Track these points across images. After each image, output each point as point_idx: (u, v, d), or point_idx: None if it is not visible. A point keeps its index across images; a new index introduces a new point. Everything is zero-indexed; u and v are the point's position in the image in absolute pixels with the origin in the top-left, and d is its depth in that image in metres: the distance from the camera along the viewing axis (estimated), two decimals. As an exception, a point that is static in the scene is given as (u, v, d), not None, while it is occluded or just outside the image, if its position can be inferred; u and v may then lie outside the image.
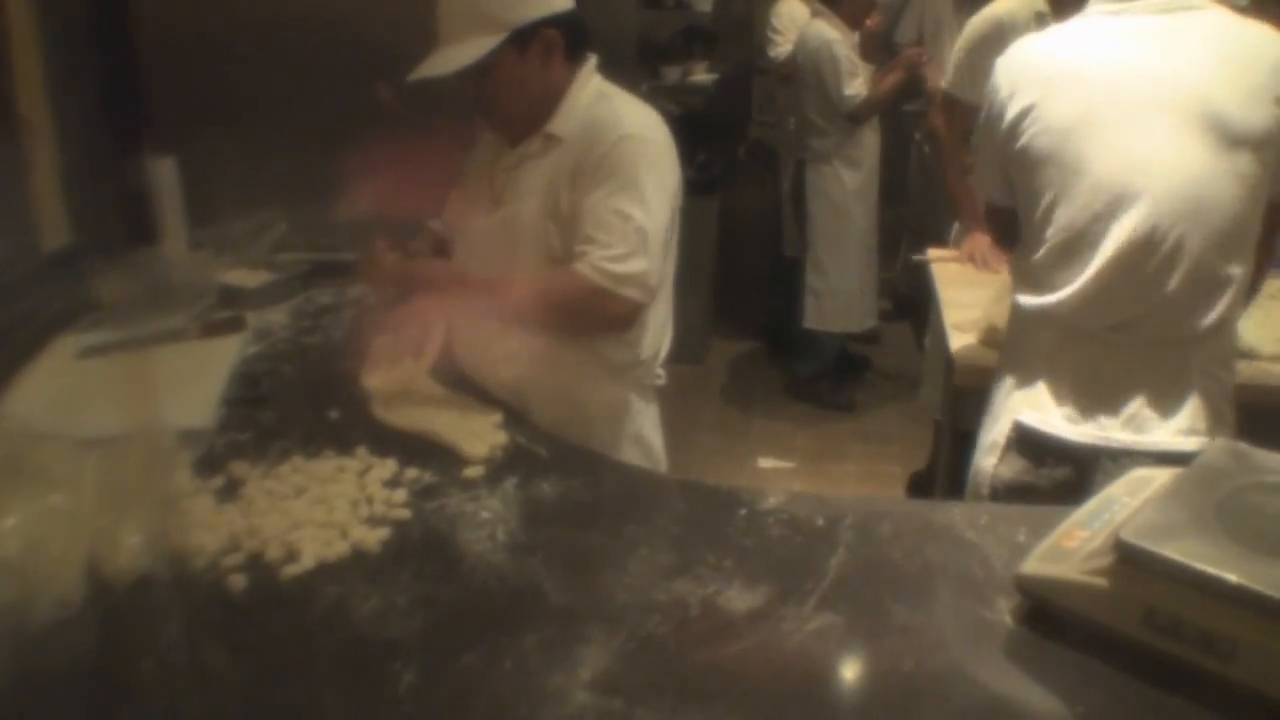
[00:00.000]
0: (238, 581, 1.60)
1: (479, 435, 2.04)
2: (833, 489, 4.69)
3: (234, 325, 2.63)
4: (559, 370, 2.25)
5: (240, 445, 2.02)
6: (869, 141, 5.38)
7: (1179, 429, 2.14)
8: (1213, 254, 2.08)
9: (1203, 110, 2.05)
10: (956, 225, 4.10)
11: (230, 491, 1.85)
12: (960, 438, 2.61)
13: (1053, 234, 2.17)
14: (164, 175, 2.94)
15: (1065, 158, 2.14)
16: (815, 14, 5.33)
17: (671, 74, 6.65)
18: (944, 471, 3.18)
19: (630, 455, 2.31)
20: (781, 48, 5.77)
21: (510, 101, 2.23)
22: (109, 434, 1.91)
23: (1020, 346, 2.32)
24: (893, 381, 5.77)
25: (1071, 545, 1.50)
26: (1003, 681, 1.42)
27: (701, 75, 6.72)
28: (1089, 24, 2.21)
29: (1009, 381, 2.32)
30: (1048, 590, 1.47)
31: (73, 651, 1.48)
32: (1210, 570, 1.32)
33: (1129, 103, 2.10)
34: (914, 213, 6.00)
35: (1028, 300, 2.25)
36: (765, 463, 4.97)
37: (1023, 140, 2.19)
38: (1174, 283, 2.09)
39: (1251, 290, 2.29)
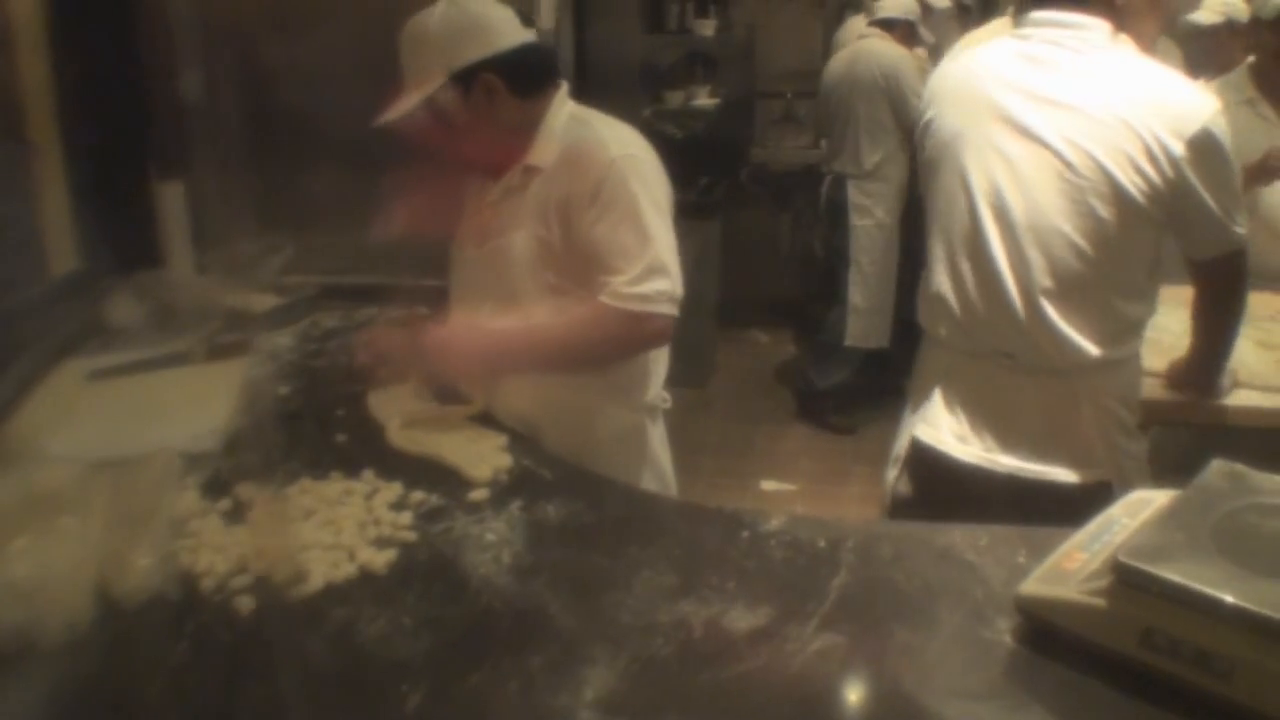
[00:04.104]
0: (246, 603, 1.61)
1: (483, 458, 2.05)
2: (835, 511, 4.69)
3: (241, 348, 2.64)
4: (569, 400, 2.27)
5: (247, 467, 2.03)
6: (903, 160, 5.42)
7: (1063, 459, 2.16)
8: (1085, 289, 2.09)
9: (1080, 147, 2.05)
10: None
11: (238, 513, 1.86)
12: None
13: (936, 250, 2.22)
14: (171, 200, 2.96)
15: (947, 171, 2.20)
16: (862, 36, 5.42)
17: (674, 98, 6.68)
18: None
19: (644, 476, 2.34)
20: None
21: (466, 143, 2.24)
22: (117, 456, 1.94)
23: (922, 364, 2.36)
24: (894, 403, 5.76)
25: (1071, 566, 1.51)
26: (1002, 701, 1.43)
27: (704, 100, 6.75)
28: (997, 46, 2.24)
29: (913, 398, 2.36)
30: (1047, 611, 1.48)
31: (82, 673, 1.49)
32: (1207, 590, 1.34)
33: (1005, 125, 2.12)
34: (915, 236, 6.01)
35: (923, 320, 2.29)
36: (768, 485, 4.98)
37: (924, 152, 2.27)
38: (1043, 313, 2.11)
39: (1208, 361, 2.34)
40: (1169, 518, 1.53)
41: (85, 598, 1.59)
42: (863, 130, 5.36)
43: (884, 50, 5.31)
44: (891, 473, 2.39)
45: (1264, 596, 1.32)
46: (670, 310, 2.17)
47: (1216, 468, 1.65)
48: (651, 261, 2.14)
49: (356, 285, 2.84)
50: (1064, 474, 2.14)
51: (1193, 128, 2.01)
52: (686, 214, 2.29)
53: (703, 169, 5.96)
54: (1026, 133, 2.10)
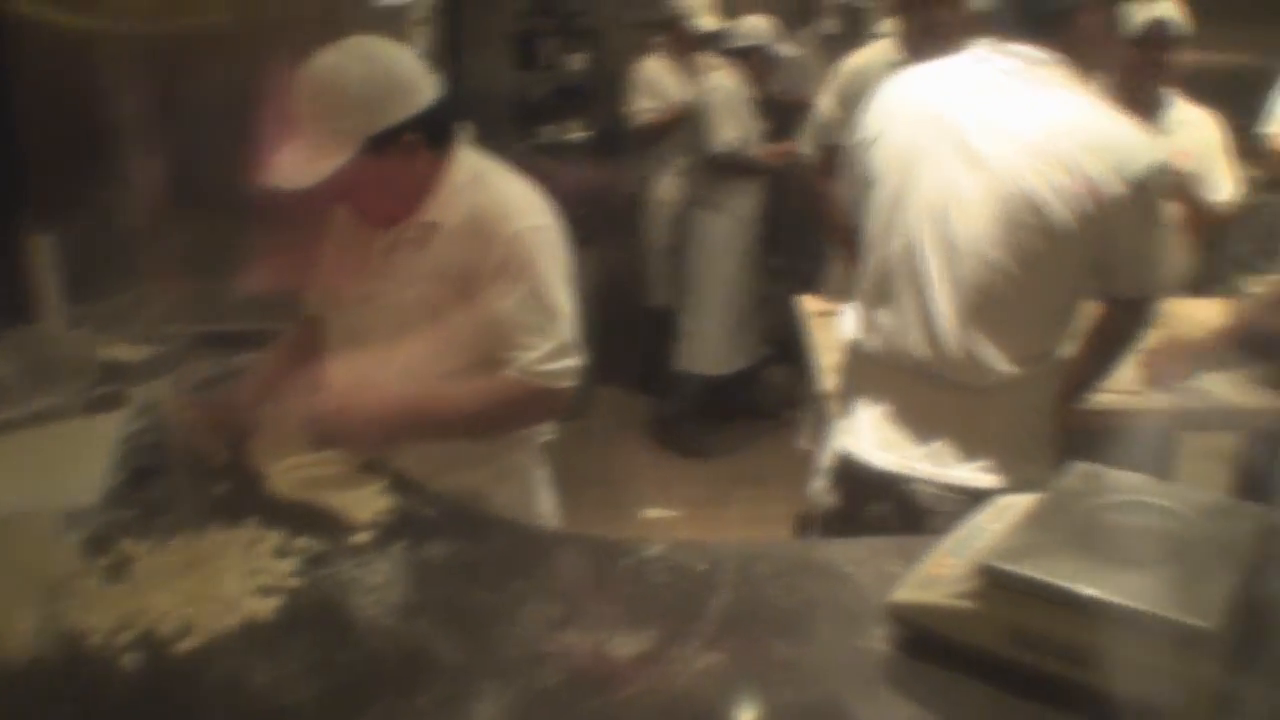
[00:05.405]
0: (131, 660, 1.59)
1: (365, 501, 2.04)
2: (717, 534, 4.73)
3: (116, 401, 2.61)
4: (456, 449, 2.25)
5: (127, 523, 1.99)
6: (742, 190, 5.52)
7: (978, 466, 2.22)
8: (1010, 316, 2.16)
9: (1021, 177, 2.09)
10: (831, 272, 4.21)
11: (120, 570, 1.83)
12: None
13: (870, 263, 2.28)
14: (44, 253, 2.91)
15: (891, 187, 2.24)
16: (717, 67, 5.50)
17: (548, 133, 6.71)
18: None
19: (529, 518, 2.33)
20: (643, 104, 5.90)
21: (373, 203, 2.22)
22: (-6, 517, 1.91)
23: (849, 373, 2.41)
24: (769, 424, 5.83)
25: (941, 572, 1.57)
26: (882, 707, 1.48)
27: (577, 134, 6.80)
28: (952, 66, 2.28)
29: (839, 410, 2.42)
30: (920, 616, 1.54)
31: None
32: (1065, 585, 1.40)
33: (957, 147, 2.16)
34: (785, 261, 6.10)
35: (854, 331, 2.35)
36: (651, 513, 5.00)
37: (865, 165, 2.31)
38: (967, 335, 2.17)
39: (1086, 381, 2.38)
40: (1032, 520, 1.59)
41: (-35, 663, 1.56)
42: (691, 160, 5.57)
43: (715, 82, 5.46)
44: (819, 484, 2.42)
45: (1118, 586, 1.38)
46: (575, 382, 2.21)
47: (1076, 469, 1.72)
48: (561, 338, 2.17)
49: (230, 332, 2.81)
50: (973, 480, 2.20)
51: (1135, 171, 2.06)
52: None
53: (577, 201, 6.00)
54: (974, 157, 2.13)
